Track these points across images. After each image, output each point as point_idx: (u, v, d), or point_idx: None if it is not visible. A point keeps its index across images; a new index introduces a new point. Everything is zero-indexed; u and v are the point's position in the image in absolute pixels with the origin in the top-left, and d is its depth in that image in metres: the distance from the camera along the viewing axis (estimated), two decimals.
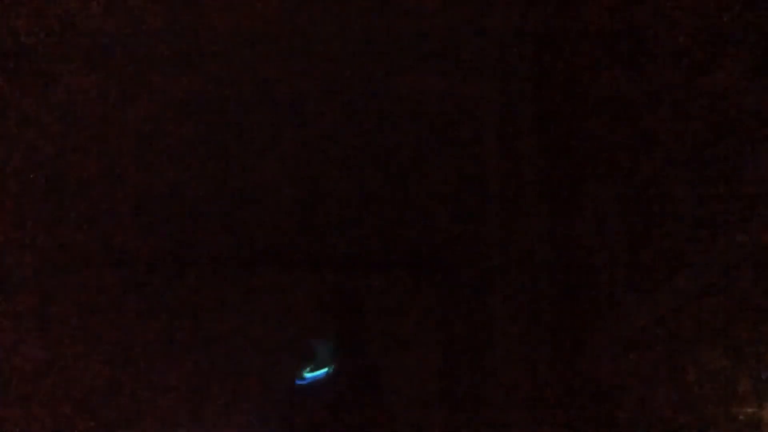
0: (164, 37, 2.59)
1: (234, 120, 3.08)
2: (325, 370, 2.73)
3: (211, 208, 3.81)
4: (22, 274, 4.11)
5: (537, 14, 2.37)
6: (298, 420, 2.78)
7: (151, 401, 4.13)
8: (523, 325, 2.37)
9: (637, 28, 1.97)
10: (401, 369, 3.86)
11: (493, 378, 2.87)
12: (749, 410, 1.61)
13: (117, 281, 4.26)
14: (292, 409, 2.81)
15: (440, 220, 3.94)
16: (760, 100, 1.53)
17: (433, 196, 3.71)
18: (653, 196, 1.95)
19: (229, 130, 3.15)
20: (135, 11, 2.48)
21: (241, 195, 3.68)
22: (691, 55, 1.77)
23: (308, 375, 2.74)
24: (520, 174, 2.42)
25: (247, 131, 3.17)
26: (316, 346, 2.71)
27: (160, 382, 4.17)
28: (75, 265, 4.19)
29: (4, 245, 4.02)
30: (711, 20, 1.68)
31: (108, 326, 4.18)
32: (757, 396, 1.60)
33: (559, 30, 2.28)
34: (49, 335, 4.10)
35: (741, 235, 1.59)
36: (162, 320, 4.25)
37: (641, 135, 2.00)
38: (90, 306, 4.17)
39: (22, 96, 2.84)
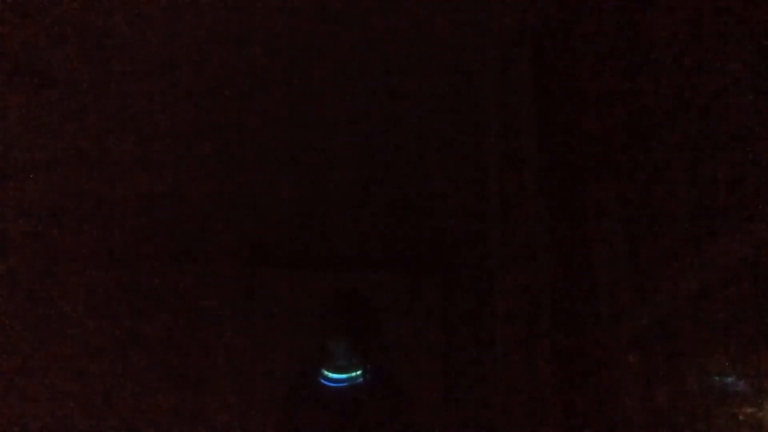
0: (164, 37, 2.59)
1: (234, 120, 3.08)
2: (352, 374, 2.72)
3: (211, 208, 3.81)
4: (22, 273, 4.11)
5: (537, 14, 2.36)
6: (311, 416, 2.78)
7: (152, 401, 4.13)
8: (523, 325, 2.36)
9: (637, 28, 1.97)
10: (401, 369, 3.86)
11: (493, 378, 2.87)
12: (749, 410, 1.61)
13: (117, 281, 4.26)
14: (307, 405, 2.81)
15: (440, 220, 3.94)
16: (760, 100, 1.53)
17: (433, 196, 3.71)
18: (653, 196, 1.95)
19: (229, 130, 3.15)
20: (135, 11, 2.48)
21: (241, 195, 3.68)
22: (691, 55, 1.77)
23: (332, 375, 2.73)
24: (520, 174, 2.42)
25: (248, 131, 3.17)
26: (334, 346, 2.70)
27: (161, 381, 4.17)
28: (75, 265, 4.19)
29: (4, 245, 4.02)
30: (711, 20, 1.68)
31: (108, 326, 4.18)
32: (757, 396, 1.60)
33: (559, 30, 2.28)
34: (49, 335, 4.10)
35: (741, 235, 1.59)
36: (162, 320, 4.25)
37: (641, 135, 2.00)
38: (90, 306, 4.17)
39: (23, 96, 2.84)
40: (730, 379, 1.69)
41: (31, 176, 3.39)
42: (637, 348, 2.00)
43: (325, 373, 2.73)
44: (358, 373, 2.71)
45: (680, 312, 1.84)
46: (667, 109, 1.89)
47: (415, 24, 2.55)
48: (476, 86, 2.82)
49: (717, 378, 1.72)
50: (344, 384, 2.72)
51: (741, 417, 1.63)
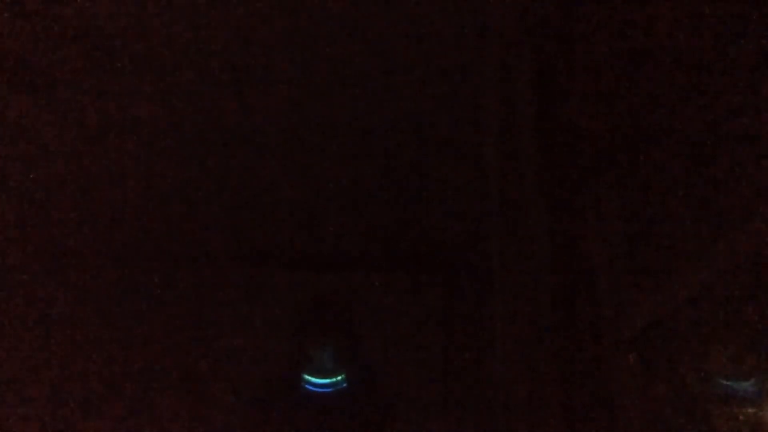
0: (165, 36, 2.60)
1: (234, 120, 3.08)
2: (333, 379, 2.72)
3: (211, 208, 3.81)
4: (22, 274, 4.11)
5: (537, 14, 2.37)
6: (297, 421, 2.78)
7: (151, 401, 4.13)
8: (523, 325, 2.37)
9: (637, 28, 1.97)
10: (401, 369, 3.86)
11: (493, 378, 2.87)
12: (749, 410, 1.61)
13: (117, 281, 4.26)
14: (292, 410, 2.81)
15: (440, 220, 3.94)
16: (760, 100, 1.53)
17: (433, 195, 3.71)
18: (653, 196, 1.95)
19: (229, 130, 3.15)
20: (136, 11, 2.48)
21: (241, 195, 3.68)
22: (691, 55, 1.77)
23: (314, 380, 2.73)
24: (520, 174, 2.42)
25: (248, 131, 3.17)
26: (317, 350, 2.70)
27: (160, 382, 4.17)
28: (75, 265, 4.20)
29: (4, 245, 4.02)
30: (711, 20, 1.68)
31: (108, 326, 4.18)
32: (757, 396, 1.60)
33: (559, 30, 2.28)
34: (49, 335, 4.11)
35: (741, 235, 1.59)
36: (162, 320, 4.25)
37: (641, 135, 2.00)
38: (90, 306, 4.18)
39: (23, 96, 2.84)
40: (730, 379, 1.69)
41: (31, 176, 3.40)
42: (637, 348, 2.00)
43: (307, 377, 2.73)
44: (341, 377, 2.71)
45: (680, 312, 1.84)
46: (667, 109, 1.89)
47: (415, 24, 2.56)
48: (476, 86, 2.82)
49: (717, 378, 1.73)
50: (328, 389, 2.73)
51: (741, 417, 1.63)
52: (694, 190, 1.79)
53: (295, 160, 3.38)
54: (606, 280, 2.13)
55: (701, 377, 1.77)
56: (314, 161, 3.40)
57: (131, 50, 2.64)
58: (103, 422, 4.05)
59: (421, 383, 4.15)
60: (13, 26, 2.52)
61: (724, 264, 1.66)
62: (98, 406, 4.08)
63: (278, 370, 3.95)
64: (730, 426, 1.64)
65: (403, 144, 3.27)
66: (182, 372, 4.20)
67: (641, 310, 2.00)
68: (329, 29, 2.58)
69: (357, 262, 4.40)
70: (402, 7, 2.49)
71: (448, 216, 3.88)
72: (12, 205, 3.60)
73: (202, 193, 3.65)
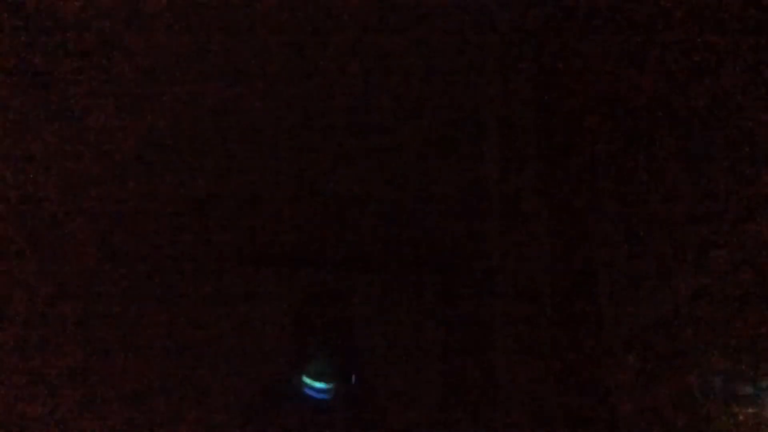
0: (165, 37, 2.59)
1: (234, 119, 3.08)
2: (326, 384, 2.72)
3: (211, 208, 3.80)
4: (21, 274, 4.10)
5: (537, 14, 2.37)
6: (293, 421, 2.78)
7: (152, 402, 4.12)
8: (523, 325, 2.37)
9: (638, 28, 1.97)
10: (400, 370, 3.86)
11: (493, 378, 2.87)
12: (749, 410, 1.62)
13: (117, 281, 4.25)
14: (287, 410, 2.81)
15: (440, 220, 3.94)
16: (760, 101, 1.53)
17: (433, 196, 3.71)
18: (653, 197, 1.95)
19: (229, 129, 3.15)
20: (136, 11, 2.48)
21: (241, 195, 3.68)
22: (691, 55, 1.77)
23: (308, 382, 2.73)
24: (520, 174, 2.43)
25: (247, 131, 3.17)
26: (315, 353, 2.71)
27: (160, 382, 4.17)
28: (75, 265, 4.19)
29: (4, 245, 4.02)
30: (711, 20, 1.68)
31: (108, 326, 4.18)
32: (757, 396, 1.60)
33: (559, 30, 2.28)
34: (49, 335, 4.10)
35: (741, 235, 1.59)
36: (162, 320, 4.24)
37: (641, 135, 2.00)
38: (90, 306, 4.17)
39: (22, 96, 2.83)
40: (730, 379, 1.69)
41: (31, 176, 3.39)
42: (637, 348, 2.00)
43: (307, 380, 2.74)
44: (340, 380, 2.72)
45: (680, 312, 1.84)
46: (667, 110, 1.89)
47: (415, 23, 2.55)
48: (476, 86, 2.82)
49: (717, 378, 1.73)
50: (326, 395, 2.74)
51: (741, 417, 1.63)
52: (694, 191, 1.79)
53: (294, 160, 3.38)
54: (606, 280, 2.13)
55: (701, 377, 1.77)
56: (314, 161, 3.40)
57: (131, 50, 2.64)
58: (103, 423, 4.05)
59: (421, 383, 4.15)
60: (14, 26, 2.52)
61: (724, 264, 1.66)
62: (98, 406, 4.08)
63: (278, 371, 3.95)
64: (730, 426, 1.64)
65: (403, 144, 3.26)
66: (182, 372, 4.20)
67: (641, 310, 2.00)
68: (328, 30, 2.58)
69: (357, 262, 4.39)
70: (401, 7, 2.50)
71: (448, 216, 3.88)
72: (12, 204, 3.60)
73: (203, 193, 3.65)
